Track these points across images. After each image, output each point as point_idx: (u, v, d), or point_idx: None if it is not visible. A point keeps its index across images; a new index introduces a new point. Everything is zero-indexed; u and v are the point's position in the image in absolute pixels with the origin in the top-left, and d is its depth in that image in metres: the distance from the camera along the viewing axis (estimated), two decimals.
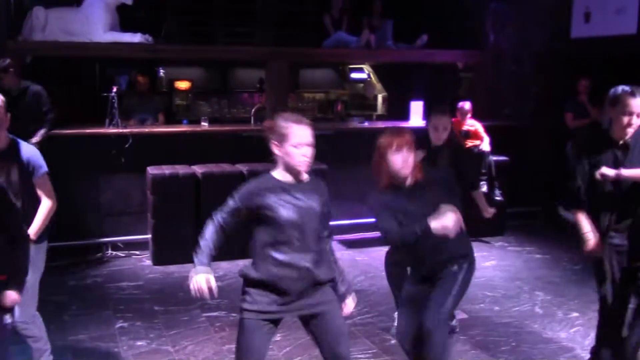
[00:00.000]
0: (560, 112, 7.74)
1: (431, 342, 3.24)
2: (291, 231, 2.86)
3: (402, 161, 3.22)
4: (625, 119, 3.35)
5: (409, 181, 3.30)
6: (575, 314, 4.94)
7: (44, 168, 3.53)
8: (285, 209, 2.84)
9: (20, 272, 2.96)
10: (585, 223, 3.53)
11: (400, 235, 3.25)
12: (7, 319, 2.96)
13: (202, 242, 2.90)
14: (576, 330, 4.64)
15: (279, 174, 2.92)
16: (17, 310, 3.22)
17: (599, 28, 7.56)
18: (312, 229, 2.91)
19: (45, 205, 3.52)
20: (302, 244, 2.88)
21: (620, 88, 3.42)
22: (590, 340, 4.42)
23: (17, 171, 3.41)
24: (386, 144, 3.25)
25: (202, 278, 2.81)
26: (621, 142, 3.42)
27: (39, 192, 3.51)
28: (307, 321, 3.01)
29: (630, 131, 3.38)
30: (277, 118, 2.92)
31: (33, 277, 3.37)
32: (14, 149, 3.44)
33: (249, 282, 2.92)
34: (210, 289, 2.80)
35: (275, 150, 2.89)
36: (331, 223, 3.06)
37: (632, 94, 3.35)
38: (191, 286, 2.82)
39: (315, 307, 2.95)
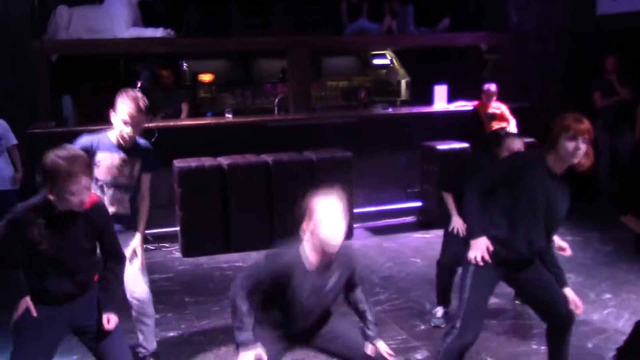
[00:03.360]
0: (587, 92, 7.61)
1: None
2: (298, 313, 2.89)
3: (573, 149, 3.08)
4: None
5: (559, 171, 3.16)
6: (607, 296, 4.88)
7: (157, 167, 3.86)
8: (303, 296, 2.84)
9: (116, 294, 3.07)
10: None
11: (472, 207, 3.22)
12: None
13: (242, 317, 2.80)
14: (609, 312, 4.58)
15: (307, 253, 2.83)
16: (136, 291, 3.69)
17: (625, 3, 7.40)
18: (321, 309, 2.94)
19: (148, 204, 3.82)
20: (301, 322, 2.93)
21: None
22: (623, 321, 4.38)
23: (139, 167, 3.71)
24: (562, 127, 3.11)
25: (251, 356, 2.75)
26: None
27: (143, 187, 3.78)
28: (321, 349, 3.07)
29: None
30: (317, 203, 2.78)
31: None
32: (138, 146, 3.71)
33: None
34: None
35: (304, 232, 2.82)
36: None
37: None
38: None
39: (322, 337, 3.02)
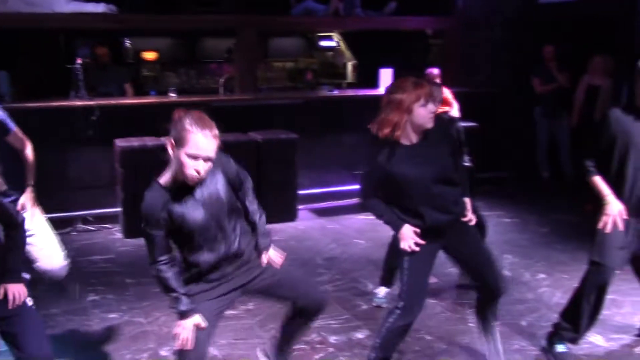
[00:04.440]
0: (530, 78, 7.81)
1: None
2: (204, 233, 2.75)
3: (429, 113, 3.12)
4: None
5: (417, 138, 3.18)
6: (542, 276, 5.06)
7: (12, 124, 3.68)
8: (194, 212, 2.73)
9: (13, 261, 2.91)
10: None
11: (376, 210, 3.26)
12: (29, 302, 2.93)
13: (175, 292, 2.74)
14: (543, 292, 4.75)
15: (169, 180, 2.76)
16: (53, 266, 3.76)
17: None
18: (223, 216, 2.79)
19: (30, 149, 3.72)
20: (217, 245, 2.79)
21: None
22: (556, 299, 4.55)
23: None
24: (413, 98, 3.10)
25: (190, 324, 2.70)
26: None
27: (17, 145, 3.67)
28: (254, 292, 2.99)
29: None
30: (184, 117, 2.73)
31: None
32: None
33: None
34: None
35: (169, 150, 2.71)
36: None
37: None
38: (182, 335, 2.68)
39: (250, 278, 2.92)
